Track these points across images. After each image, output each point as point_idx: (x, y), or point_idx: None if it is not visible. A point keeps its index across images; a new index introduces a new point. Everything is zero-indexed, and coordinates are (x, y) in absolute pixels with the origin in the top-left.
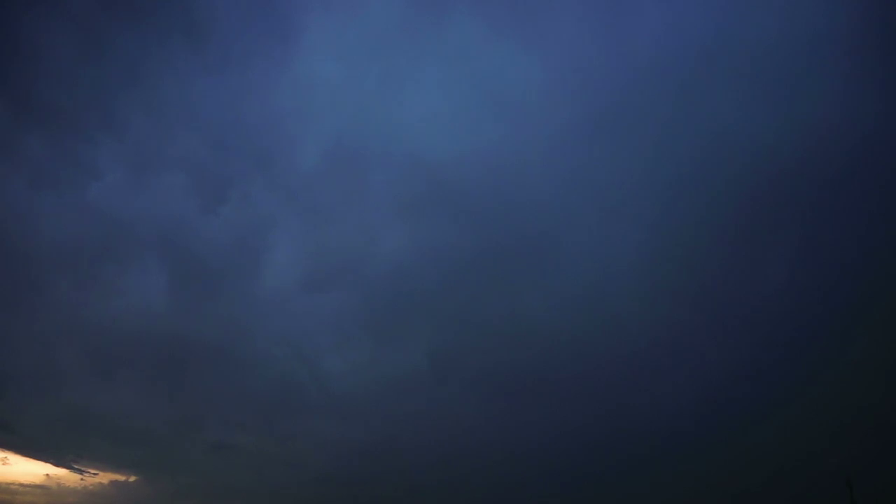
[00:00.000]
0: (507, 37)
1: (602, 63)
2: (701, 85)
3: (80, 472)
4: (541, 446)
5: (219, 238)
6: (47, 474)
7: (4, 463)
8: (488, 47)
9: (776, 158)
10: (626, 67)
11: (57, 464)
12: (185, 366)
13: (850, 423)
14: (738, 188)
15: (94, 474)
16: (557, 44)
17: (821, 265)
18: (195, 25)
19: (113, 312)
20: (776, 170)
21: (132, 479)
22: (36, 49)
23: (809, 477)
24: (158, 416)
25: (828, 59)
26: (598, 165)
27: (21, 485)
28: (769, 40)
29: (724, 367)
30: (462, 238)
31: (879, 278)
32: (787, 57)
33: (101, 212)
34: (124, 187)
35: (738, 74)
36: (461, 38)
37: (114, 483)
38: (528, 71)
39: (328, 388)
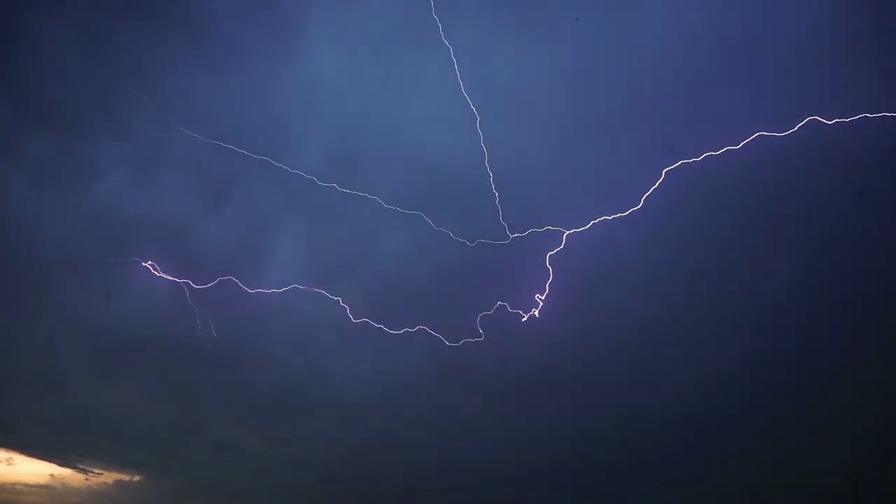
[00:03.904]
0: (510, 35)
1: (605, 60)
2: (706, 81)
3: (85, 471)
4: (545, 447)
5: (221, 238)
6: (52, 474)
7: (9, 463)
8: (491, 46)
9: (783, 155)
10: (629, 64)
11: (61, 464)
12: (188, 366)
13: (855, 422)
14: (745, 185)
15: (99, 474)
16: (561, 42)
17: (829, 264)
18: (197, 24)
19: (115, 312)
20: (784, 167)
21: (136, 478)
22: (37, 48)
23: (812, 476)
24: (162, 416)
25: (835, 54)
26: (602, 163)
27: (26, 485)
28: (774, 36)
29: (730, 367)
30: (464, 237)
31: (886, 277)
32: (793, 53)
33: (103, 212)
34: (127, 187)
35: (741, 71)
36: (464, 37)
37: (118, 483)
38: (531, 69)
39: (331, 387)
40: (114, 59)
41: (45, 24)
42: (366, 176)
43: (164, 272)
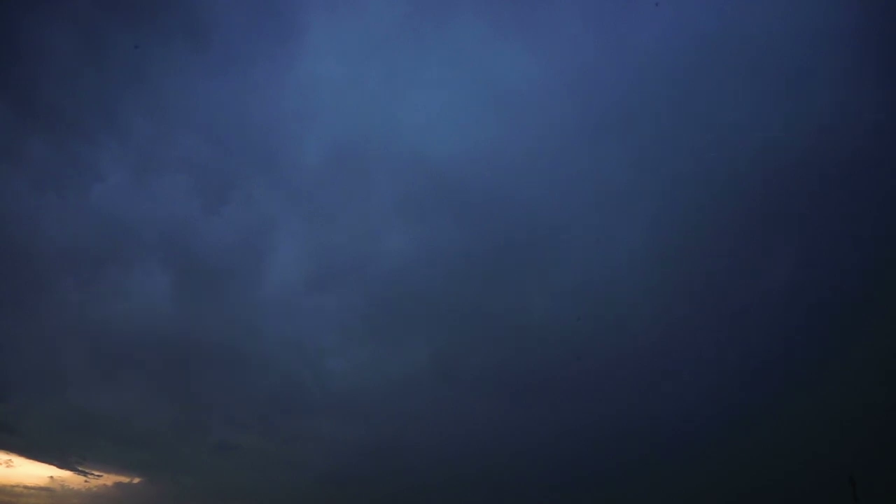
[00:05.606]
0: (508, 36)
1: (603, 61)
2: (702, 82)
3: (85, 473)
4: (543, 446)
5: (222, 239)
6: (51, 476)
7: (9, 465)
8: (490, 47)
9: (779, 155)
10: (627, 65)
11: (61, 466)
12: (189, 367)
13: (855, 420)
14: (740, 185)
15: (99, 476)
16: (559, 43)
17: (824, 262)
18: (197, 26)
19: (116, 314)
20: (779, 167)
21: (136, 480)
22: (38, 51)
23: (813, 474)
24: (162, 417)
25: (831, 55)
26: (601, 163)
27: (25, 487)
28: (771, 36)
29: (727, 365)
30: (464, 237)
31: (883, 275)
32: (789, 53)
33: (104, 213)
34: (127, 189)
35: (739, 71)
36: (463, 38)
37: (118, 485)
38: (529, 70)
39: (331, 388)
40: (115, 62)
41: (46, 27)
42: (366, 177)
43: (163, 272)
